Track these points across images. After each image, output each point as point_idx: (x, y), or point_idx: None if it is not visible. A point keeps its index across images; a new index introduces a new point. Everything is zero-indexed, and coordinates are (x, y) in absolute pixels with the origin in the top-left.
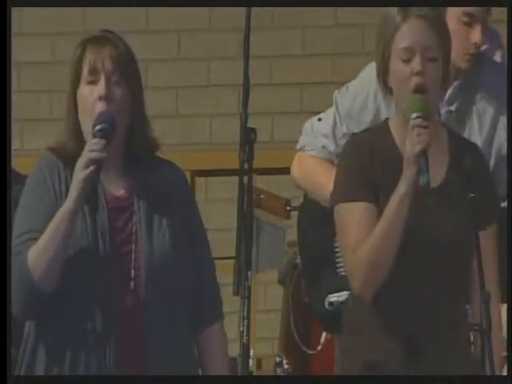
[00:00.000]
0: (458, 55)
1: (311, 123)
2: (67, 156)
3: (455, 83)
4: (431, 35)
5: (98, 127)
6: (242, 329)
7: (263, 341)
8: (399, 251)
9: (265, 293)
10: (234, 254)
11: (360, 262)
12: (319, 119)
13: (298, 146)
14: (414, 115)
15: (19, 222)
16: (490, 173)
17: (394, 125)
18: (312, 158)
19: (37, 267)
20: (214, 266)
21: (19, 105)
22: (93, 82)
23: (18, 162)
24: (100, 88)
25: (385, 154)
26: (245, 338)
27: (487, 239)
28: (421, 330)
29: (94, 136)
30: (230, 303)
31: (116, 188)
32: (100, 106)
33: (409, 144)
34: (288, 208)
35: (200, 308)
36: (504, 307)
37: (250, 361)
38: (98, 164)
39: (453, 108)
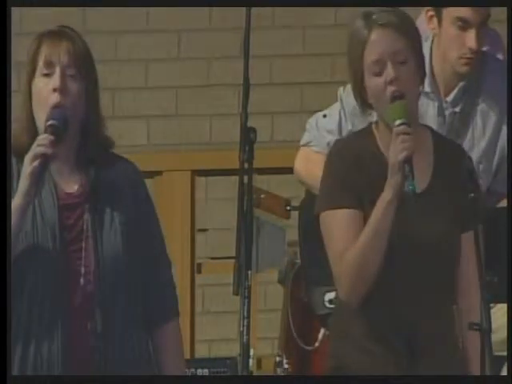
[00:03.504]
0: (454, 59)
1: (316, 119)
2: (21, 151)
3: (460, 84)
4: (398, 39)
5: (49, 122)
6: (241, 329)
7: (263, 341)
8: (386, 257)
9: (265, 293)
10: (234, 254)
11: (347, 269)
12: (324, 115)
13: (301, 142)
14: (397, 122)
15: None
16: (477, 175)
17: (378, 129)
18: (316, 153)
19: None
20: (169, 262)
21: None
22: (48, 75)
23: None
24: (55, 80)
25: (369, 159)
26: (245, 337)
27: (469, 242)
28: (409, 333)
29: (45, 131)
30: (230, 303)
31: (69, 185)
32: (54, 98)
33: (393, 151)
34: (288, 208)
35: (154, 306)
36: (504, 307)
37: (250, 361)
38: (45, 159)
39: (457, 109)
